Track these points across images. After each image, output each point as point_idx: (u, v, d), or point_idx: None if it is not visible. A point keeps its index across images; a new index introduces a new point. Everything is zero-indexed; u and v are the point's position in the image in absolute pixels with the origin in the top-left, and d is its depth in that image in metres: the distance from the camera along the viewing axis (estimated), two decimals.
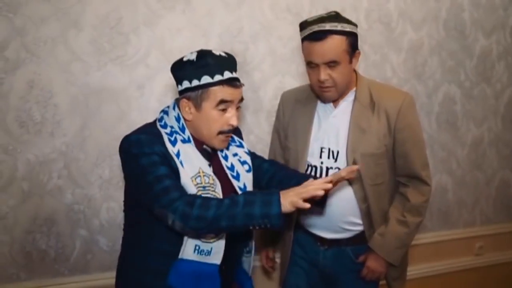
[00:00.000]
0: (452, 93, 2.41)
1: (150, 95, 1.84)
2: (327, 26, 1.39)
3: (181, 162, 1.24)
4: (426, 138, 2.34)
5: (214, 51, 1.29)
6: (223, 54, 1.29)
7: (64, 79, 1.72)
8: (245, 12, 1.95)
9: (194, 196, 1.20)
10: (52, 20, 1.68)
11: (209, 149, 1.36)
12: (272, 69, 2.02)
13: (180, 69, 1.28)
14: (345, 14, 1.50)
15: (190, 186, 1.23)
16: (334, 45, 1.39)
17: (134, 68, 1.81)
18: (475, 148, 2.51)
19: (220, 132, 1.29)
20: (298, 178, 1.37)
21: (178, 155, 1.24)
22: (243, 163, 1.43)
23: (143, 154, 1.21)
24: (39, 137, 1.71)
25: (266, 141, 1.93)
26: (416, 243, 2.32)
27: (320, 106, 1.59)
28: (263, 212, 1.13)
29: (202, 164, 1.28)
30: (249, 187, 1.40)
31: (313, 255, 1.62)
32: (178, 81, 1.30)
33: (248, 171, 1.43)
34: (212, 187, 1.27)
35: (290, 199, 1.13)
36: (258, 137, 2.03)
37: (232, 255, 1.37)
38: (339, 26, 1.39)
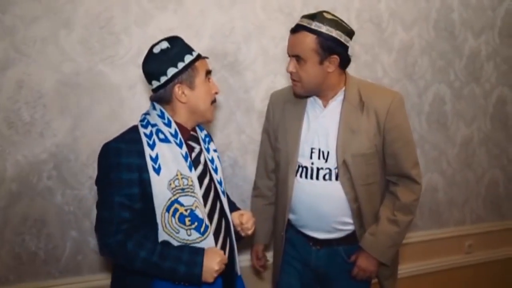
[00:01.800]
0: (442, 93, 2.43)
1: (141, 95, 1.83)
2: (304, 22, 1.44)
3: (159, 166, 1.25)
4: (416, 138, 2.36)
5: (171, 37, 1.35)
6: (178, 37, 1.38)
7: (54, 79, 1.70)
8: (237, 12, 1.94)
9: (127, 238, 1.20)
10: (42, 20, 1.66)
11: (196, 134, 1.41)
12: (264, 69, 2.01)
13: (159, 60, 1.29)
14: (336, 14, 1.50)
15: (163, 193, 1.24)
16: (301, 41, 1.43)
17: (125, 68, 1.79)
18: (465, 147, 2.54)
19: (212, 102, 1.38)
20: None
21: (156, 159, 1.25)
22: (219, 159, 1.49)
23: (117, 166, 1.23)
24: (29, 138, 1.69)
25: (258, 141, 1.92)
26: (407, 242, 2.34)
27: (309, 106, 1.59)
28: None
29: (180, 166, 1.29)
30: (223, 184, 1.43)
31: (305, 255, 1.62)
32: (162, 73, 1.29)
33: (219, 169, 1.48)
34: (191, 189, 1.27)
35: (212, 273, 1.22)
36: (250, 137, 2.03)
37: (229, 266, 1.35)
38: (313, 25, 1.41)
